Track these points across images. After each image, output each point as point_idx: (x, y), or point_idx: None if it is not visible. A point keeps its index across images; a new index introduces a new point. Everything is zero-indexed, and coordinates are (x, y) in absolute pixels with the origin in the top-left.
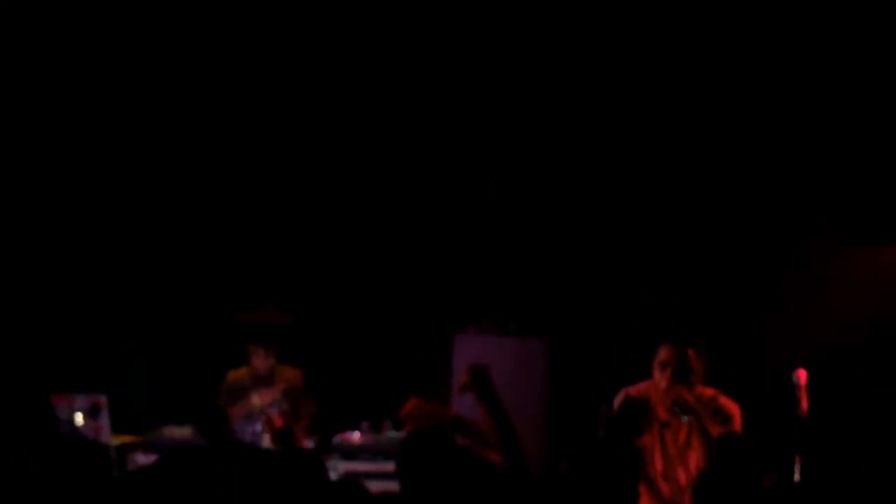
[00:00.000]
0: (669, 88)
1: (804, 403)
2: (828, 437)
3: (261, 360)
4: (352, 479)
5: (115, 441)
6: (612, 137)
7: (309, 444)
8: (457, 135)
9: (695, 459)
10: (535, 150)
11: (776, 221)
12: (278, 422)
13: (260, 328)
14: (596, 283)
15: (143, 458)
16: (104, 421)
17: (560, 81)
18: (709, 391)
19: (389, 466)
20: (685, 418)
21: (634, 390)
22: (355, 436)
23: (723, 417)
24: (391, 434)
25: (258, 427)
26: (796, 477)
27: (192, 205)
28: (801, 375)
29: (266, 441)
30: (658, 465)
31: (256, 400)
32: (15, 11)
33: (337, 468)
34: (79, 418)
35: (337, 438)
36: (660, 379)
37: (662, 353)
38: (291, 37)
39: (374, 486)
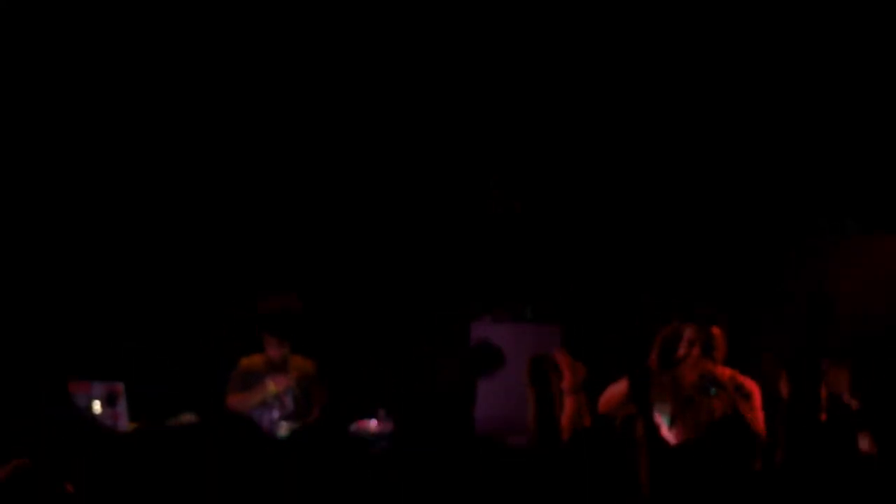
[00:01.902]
0: (670, 88)
1: (823, 394)
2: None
3: (275, 350)
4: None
5: (133, 428)
6: (617, 135)
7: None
8: (470, 126)
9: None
10: (547, 148)
11: (778, 217)
12: None
13: (274, 317)
14: (610, 271)
15: None
16: (122, 408)
17: (565, 79)
18: (726, 370)
19: None
20: (714, 390)
21: None
22: (372, 424)
23: (743, 394)
24: None
25: (275, 413)
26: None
27: (212, 193)
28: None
29: (283, 429)
30: (677, 440)
31: (272, 386)
32: (15, 11)
33: None
34: (97, 406)
35: (353, 426)
36: (686, 356)
37: (688, 332)
38: (296, 35)
39: None
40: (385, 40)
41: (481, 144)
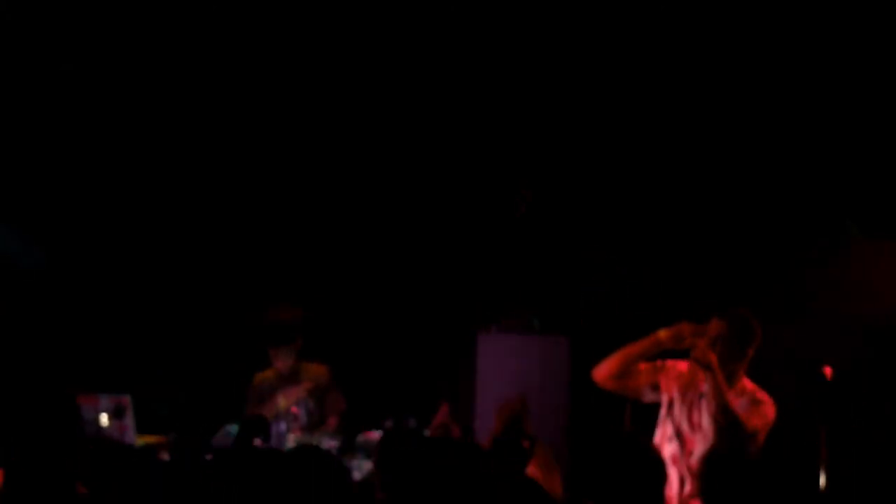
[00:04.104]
0: (675, 100)
1: (829, 401)
2: (852, 435)
3: (281, 361)
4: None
5: (140, 441)
6: (635, 140)
7: (332, 443)
8: (485, 134)
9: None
10: (560, 153)
11: (794, 218)
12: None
13: (274, 329)
14: (616, 282)
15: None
16: (129, 421)
17: (584, 85)
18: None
19: None
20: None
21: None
22: (379, 435)
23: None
24: None
25: (283, 427)
26: (822, 477)
27: (214, 205)
28: (827, 373)
29: (290, 441)
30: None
31: (282, 400)
32: (15, 11)
33: (361, 467)
34: (104, 419)
35: (361, 437)
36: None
37: (712, 329)
38: (322, 39)
39: None
40: (399, 43)
41: (487, 153)
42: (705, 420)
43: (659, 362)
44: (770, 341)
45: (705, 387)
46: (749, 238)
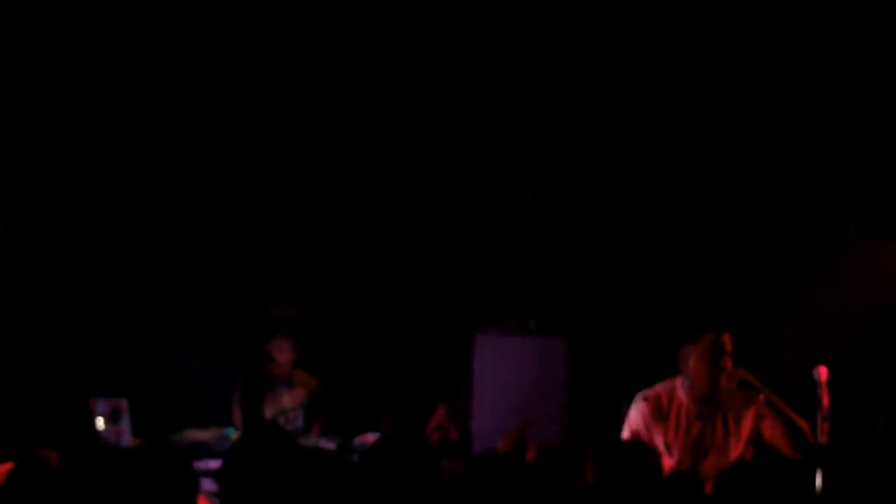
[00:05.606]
0: (690, 97)
1: (825, 401)
2: (850, 435)
3: (284, 355)
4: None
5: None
6: (634, 140)
7: (329, 445)
8: (483, 134)
9: (737, 450)
10: (560, 152)
11: (794, 218)
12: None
13: (286, 320)
14: (616, 282)
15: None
16: (125, 425)
17: (585, 85)
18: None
19: None
20: (759, 397)
21: (653, 393)
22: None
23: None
24: None
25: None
26: (819, 475)
27: (212, 205)
28: (822, 373)
29: None
30: (676, 457)
31: (286, 400)
32: (14, 11)
33: None
34: (100, 422)
35: (358, 439)
36: (704, 369)
37: (706, 344)
38: (322, 39)
39: None
40: (415, 44)
41: (486, 153)
42: None
43: None
44: (770, 341)
45: None
46: (749, 238)
